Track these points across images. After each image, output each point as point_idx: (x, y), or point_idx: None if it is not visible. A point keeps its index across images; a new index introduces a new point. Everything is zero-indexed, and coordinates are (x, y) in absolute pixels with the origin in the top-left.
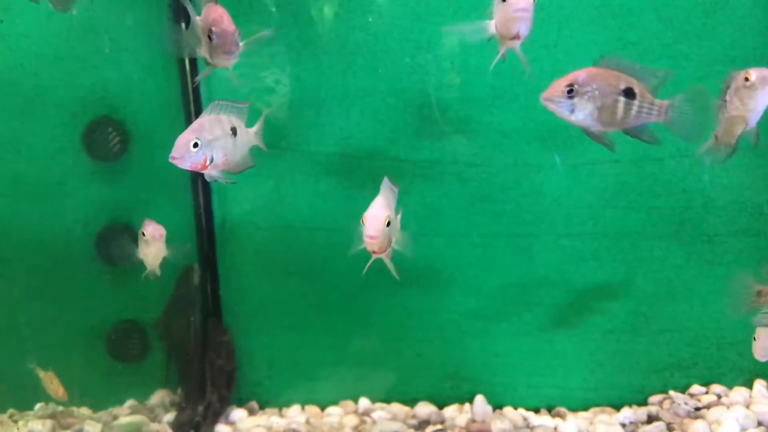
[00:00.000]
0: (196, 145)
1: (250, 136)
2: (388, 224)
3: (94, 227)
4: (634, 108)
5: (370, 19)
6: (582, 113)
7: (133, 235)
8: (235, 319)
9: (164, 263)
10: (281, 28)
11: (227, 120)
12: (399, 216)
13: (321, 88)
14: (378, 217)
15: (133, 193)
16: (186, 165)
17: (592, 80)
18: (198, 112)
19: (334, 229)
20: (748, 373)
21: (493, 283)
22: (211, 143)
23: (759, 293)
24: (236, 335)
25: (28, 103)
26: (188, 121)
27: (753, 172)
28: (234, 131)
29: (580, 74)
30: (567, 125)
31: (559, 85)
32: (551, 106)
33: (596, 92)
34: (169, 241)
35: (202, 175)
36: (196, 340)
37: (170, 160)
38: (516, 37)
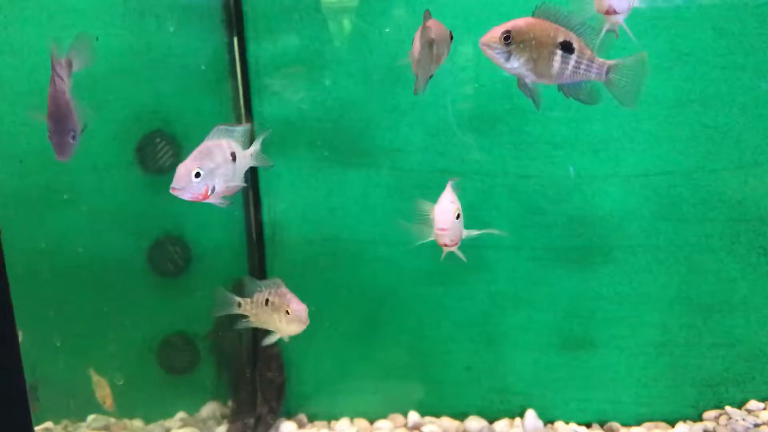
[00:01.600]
0: (198, 174)
1: (247, 159)
2: (458, 217)
3: (147, 240)
4: (571, 63)
5: None
6: (517, 62)
7: (184, 248)
8: None
9: (216, 277)
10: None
11: (227, 145)
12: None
13: (370, 101)
14: (448, 210)
15: (184, 206)
16: (187, 196)
17: (529, 30)
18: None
19: (383, 241)
20: None
21: (544, 296)
22: (213, 171)
23: None
24: (286, 348)
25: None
26: None
27: None
28: (233, 156)
29: (518, 23)
30: (620, 137)
31: (497, 32)
32: (489, 52)
33: (533, 42)
34: (221, 252)
35: (254, 190)
36: (246, 353)
37: (171, 191)
38: (612, 11)
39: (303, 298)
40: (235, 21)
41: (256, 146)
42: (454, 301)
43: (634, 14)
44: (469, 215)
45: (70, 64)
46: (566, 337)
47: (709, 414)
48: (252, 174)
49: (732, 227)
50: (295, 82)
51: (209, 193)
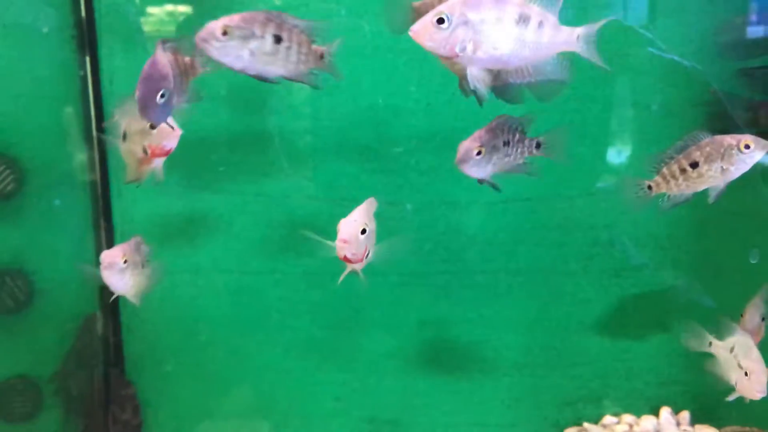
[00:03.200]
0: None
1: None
2: (363, 232)
3: None
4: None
5: None
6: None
7: (24, 282)
8: (138, 371)
9: (63, 313)
10: None
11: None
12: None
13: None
14: (352, 223)
15: (26, 235)
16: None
17: (243, 23)
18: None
19: (245, 272)
20: (655, 401)
21: (410, 322)
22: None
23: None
24: (141, 388)
25: None
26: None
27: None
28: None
29: (232, 17)
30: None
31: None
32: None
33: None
34: (68, 286)
35: (105, 217)
36: (98, 394)
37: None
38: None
39: (160, 334)
40: (87, 38)
41: None
42: (321, 329)
43: None
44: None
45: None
46: (433, 361)
47: (570, 431)
48: (103, 199)
49: (586, 251)
50: None
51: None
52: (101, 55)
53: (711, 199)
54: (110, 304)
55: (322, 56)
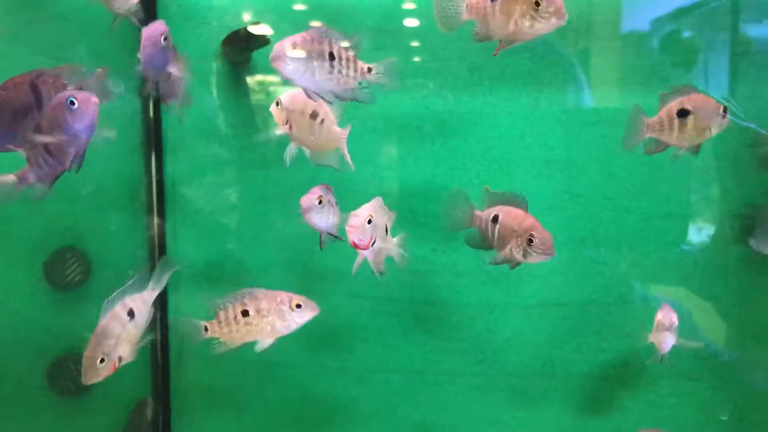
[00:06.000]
0: (102, 360)
1: (147, 312)
2: (369, 222)
3: (49, 356)
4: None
5: None
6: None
7: None
8: None
9: (119, 396)
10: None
11: (126, 305)
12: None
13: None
14: (360, 214)
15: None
16: (96, 380)
17: (306, 41)
18: (161, 246)
19: (291, 364)
20: None
21: (444, 422)
22: (117, 346)
23: None
24: None
25: None
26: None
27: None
28: (131, 313)
29: (295, 37)
30: (519, 269)
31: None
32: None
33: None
34: (124, 374)
35: (161, 306)
36: None
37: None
38: None
39: (208, 420)
40: (153, 143)
41: (155, 286)
42: (357, 426)
43: (529, 158)
44: (378, 339)
45: None
46: None
47: None
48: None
49: (622, 357)
50: (211, 205)
51: (117, 364)
52: (165, 160)
53: None
54: (162, 391)
55: (369, 71)
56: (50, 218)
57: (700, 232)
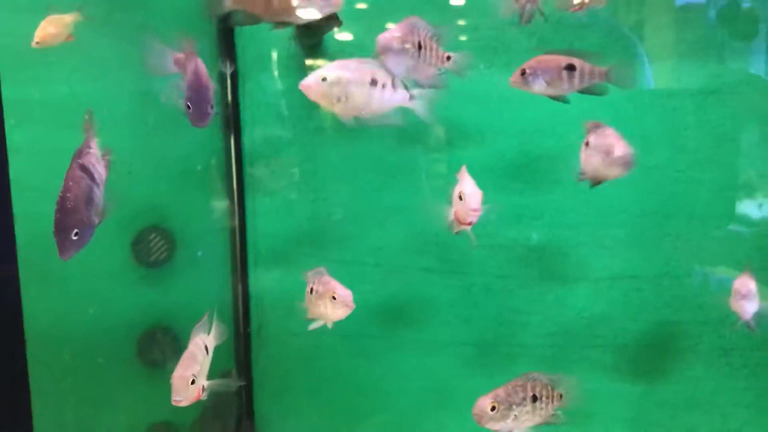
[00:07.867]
0: (193, 381)
1: (212, 346)
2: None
3: (138, 330)
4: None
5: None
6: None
7: (172, 338)
8: (267, 425)
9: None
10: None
11: (203, 342)
12: None
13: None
14: (477, 193)
15: (176, 299)
16: (186, 403)
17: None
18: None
19: (366, 336)
20: None
21: None
22: (201, 372)
23: None
24: None
25: None
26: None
27: None
28: (206, 349)
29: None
30: (589, 242)
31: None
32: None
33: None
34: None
35: (242, 280)
36: None
37: (173, 403)
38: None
39: (288, 391)
40: (232, 122)
41: (214, 330)
42: (429, 412)
43: None
44: (449, 311)
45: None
46: None
47: None
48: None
49: (695, 329)
50: (287, 183)
51: (202, 392)
52: (243, 140)
53: None
54: (244, 361)
55: (448, 59)
56: (135, 200)
57: None
